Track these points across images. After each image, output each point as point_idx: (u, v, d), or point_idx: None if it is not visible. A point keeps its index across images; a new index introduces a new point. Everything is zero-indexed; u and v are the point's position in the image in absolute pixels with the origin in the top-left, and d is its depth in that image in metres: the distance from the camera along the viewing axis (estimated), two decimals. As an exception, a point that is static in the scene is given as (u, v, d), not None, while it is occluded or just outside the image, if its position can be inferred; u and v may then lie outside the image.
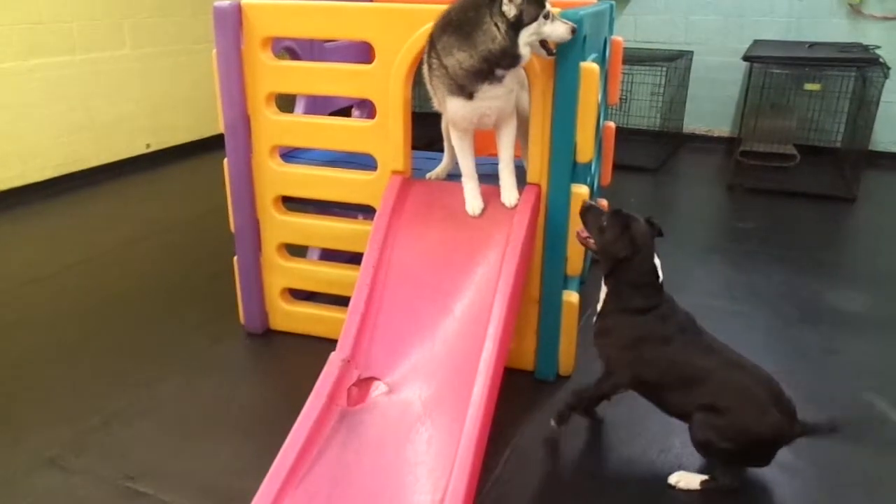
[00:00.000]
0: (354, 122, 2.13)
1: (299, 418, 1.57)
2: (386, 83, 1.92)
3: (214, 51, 2.04)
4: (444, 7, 1.72)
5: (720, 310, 2.52)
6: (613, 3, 2.55)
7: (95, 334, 2.35)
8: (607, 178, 2.79)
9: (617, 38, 2.58)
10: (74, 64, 3.83)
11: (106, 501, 1.61)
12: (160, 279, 2.75)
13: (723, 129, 4.79)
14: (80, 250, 3.03)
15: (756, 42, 4.33)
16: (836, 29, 4.34)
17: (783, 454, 1.66)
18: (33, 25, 3.59)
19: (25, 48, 3.57)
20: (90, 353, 2.23)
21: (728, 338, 2.32)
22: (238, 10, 1.99)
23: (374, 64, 1.93)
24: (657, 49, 4.64)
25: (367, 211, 2.16)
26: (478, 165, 2.21)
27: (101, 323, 2.42)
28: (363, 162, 2.14)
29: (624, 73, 2.69)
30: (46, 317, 2.46)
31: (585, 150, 1.87)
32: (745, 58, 3.85)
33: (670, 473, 1.70)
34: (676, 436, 1.84)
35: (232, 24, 1.99)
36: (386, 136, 1.98)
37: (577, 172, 1.96)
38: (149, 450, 1.79)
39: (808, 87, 4.14)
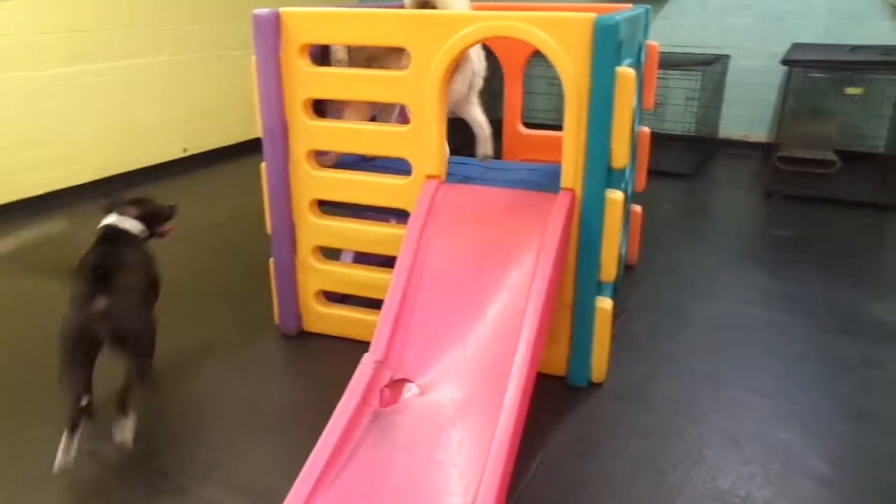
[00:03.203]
0: (389, 126, 2.15)
1: (332, 418, 1.59)
2: (421, 89, 1.94)
3: (253, 57, 2.08)
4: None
5: (755, 318, 2.49)
6: (649, 7, 2.53)
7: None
8: (642, 183, 2.77)
9: (652, 42, 2.57)
10: (115, 70, 3.93)
11: (143, 495, 1.65)
12: (197, 280, 2.80)
13: (760, 134, 4.72)
14: (120, 251, 3.09)
15: (794, 45, 4.26)
16: (878, 31, 4.25)
17: (820, 465, 1.64)
18: (76, 33, 3.69)
19: (69, 55, 3.68)
20: (129, 352, 2.28)
21: (763, 347, 2.31)
22: (277, 18, 2.02)
23: (409, 69, 1.95)
24: (692, 53, 4.59)
25: (399, 215, 2.18)
26: (512, 170, 2.21)
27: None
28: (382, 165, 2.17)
29: (658, 78, 2.67)
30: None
31: (621, 155, 1.86)
32: (784, 61, 3.79)
33: (704, 485, 1.68)
34: (710, 447, 1.82)
35: (271, 32, 2.03)
36: (421, 141, 1.99)
37: (612, 178, 1.95)
38: (184, 445, 1.82)
39: (850, 91, 4.06)
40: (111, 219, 2.01)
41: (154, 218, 2.12)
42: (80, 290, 1.73)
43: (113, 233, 1.99)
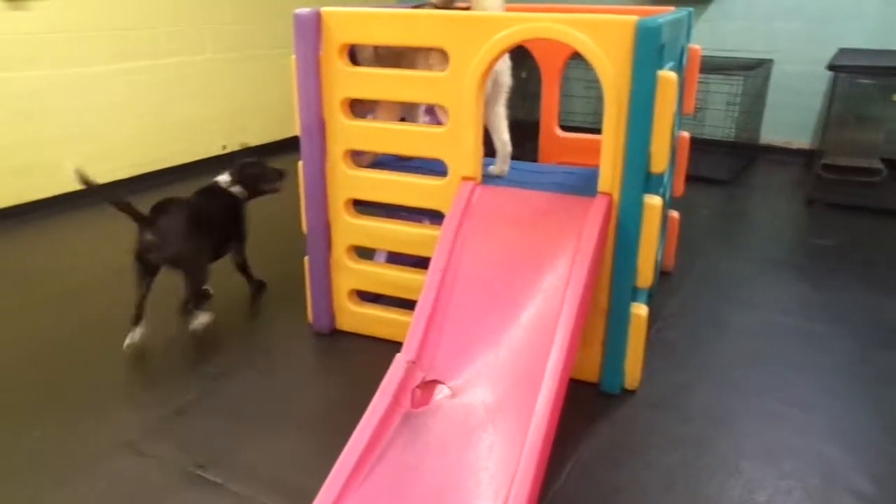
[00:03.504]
0: (426, 127, 2.15)
1: (364, 418, 1.59)
2: (459, 90, 1.94)
3: (293, 57, 2.10)
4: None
5: (794, 329, 2.43)
6: (692, 10, 2.49)
7: (171, 326, 2.44)
8: (680, 188, 2.73)
9: (694, 46, 2.53)
10: (158, 68, 4.00)
11: (177, 488, 1.67)
12: (233, 276, 2.83)
13: (802, 140, 4.62)
14: (159, 246, 3.15)
15: (841, 50, 4.16)
16: (929, 37, 4.13)
17: (861, 481, 1.59)
18: (121, 31, 3.77)
19: (113, 53, 3.76)
20: (166, 344, 2.32)
21: (802, 358, 2.26)
22: (318, 18, 2.04)
23: (448, 70, 1.95)
24: (734, 57, 4.51)
25: (433, 216, 2.18)
26: (549, 173, 2.20)
27: (176, 316, 2.51)
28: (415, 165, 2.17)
29: (699, 82, 2.63)
30: (125, 309, 2.56)
31: (660, 160, 1.84)
32: (830, 67, 3.70)
33: (741, 497, 1.64)
34: (747, 458, 1.78)
35: (312, 31, 2.04)
36: (457, 142, 1.99)
37: (651, 183, 1.92)
38: (219, 440, 1.84)
39: (898, 98, 3.95)
40: (219, 176, 2.54)
41: (257, 180, 2.57)
42: (140, 226, 2.24)
43: (209, 187, 2.53)
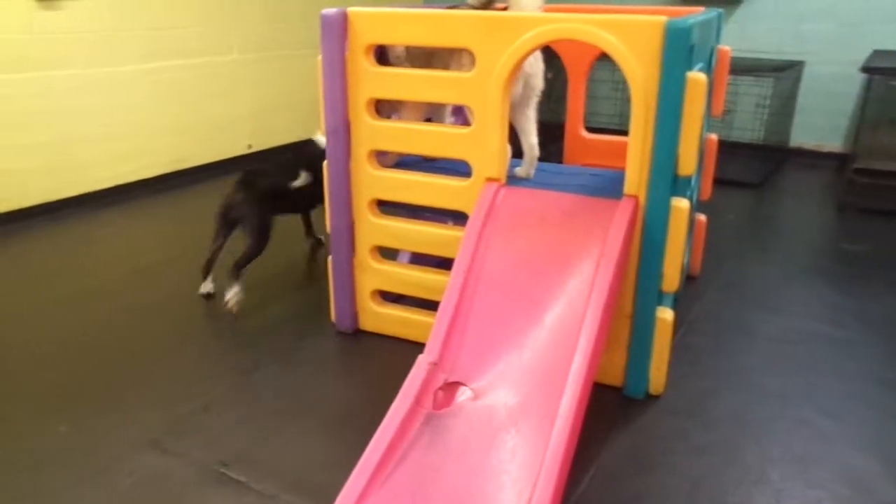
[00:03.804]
0: (451, 128, 2.14)
1: (386, 418, 1.59)
2: (485, 90, 1.93)
3: (319, 57, 2.10)
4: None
5: (824, 335, 2.38)
6: (721, 11, 2.46)
7: (196, 324, 2.46)
8: (707, 192, 2.69)
9: (724, 47, 2.49)
10: (186, 68, 4.05)
11: (202, 486, 1.68)
12: (257, 275, 2.85)
13: (834, 144, 4.53)
14: (184, 243, 3.19)
15: (876, 52, 4.08)
16: (966, 39, 4.03)
17: (894, 493, 1.55)
18: (151, 32, 3.82)
19: (144, 53, 3.81)
20: (190, 342, 2.34)
21: (832, 366, 2.21)
22: (344, 18, 2.04)
23: (474, 71, 1.94)
24: (764, 59, 4.44)
25: (457, 216, 2.17)
26: (574, 175, 2.18)
27: (201, 314, 2.54)
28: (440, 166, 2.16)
29: (728, 84, 2.59)
30: (150, 307, 2.60)
31: (688, 162, 1.81)
32: (865, 69, 3.63)
33: (766, 505, 1.62)
34: (774, 467, 1.75)
35: (338, 32, 2.05)
36: (483, 143, 1.98)
37: (678, 185, 1.90)
38: (242, 438, 1.85)
39: (933, 101, 3.86)
40: (316, 135, 2.72)
41: None
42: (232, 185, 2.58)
43: (305, 142, 2.78)
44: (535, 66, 2.12)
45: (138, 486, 1.68)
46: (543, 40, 1.86)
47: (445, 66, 2.11)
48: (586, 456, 1.76)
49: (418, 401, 1.64)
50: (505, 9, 2.13)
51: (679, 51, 1.70)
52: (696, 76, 1.74)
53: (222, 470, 1.73)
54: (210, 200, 3.82)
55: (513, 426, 1.58)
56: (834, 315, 2.53)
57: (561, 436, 1.49)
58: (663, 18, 1.71)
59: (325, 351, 2.31)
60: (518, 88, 2.07)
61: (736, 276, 2.86)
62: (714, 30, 2.34)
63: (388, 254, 2.37)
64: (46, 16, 3.35)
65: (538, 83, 2.15)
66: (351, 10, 2.05)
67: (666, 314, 1.96)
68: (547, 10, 2.04)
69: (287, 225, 3.41)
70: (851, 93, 4.36)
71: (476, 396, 1.67)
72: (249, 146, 4.54)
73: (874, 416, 1.95)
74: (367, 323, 2.38)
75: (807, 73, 4.45)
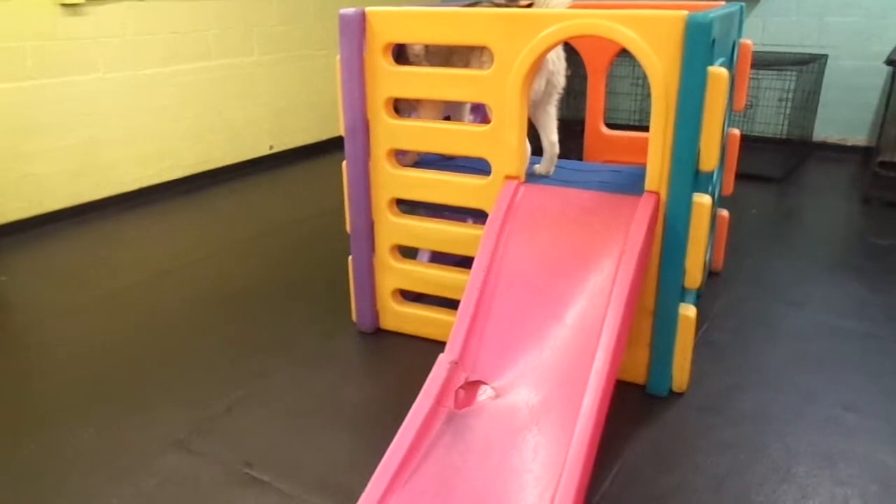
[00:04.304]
0: (470, 126, 2.14)
1: (407, 418, 1.59)
2: (503, 88, 1.93)
3: (338, 57, 2.11)
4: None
5: (850, 331, 2.35)
6: (743, 4, 2.43)
7: (219, 324, 2.49)
8: (730, 187, 2.67)
9: (746, 41, 2.47)
10: (208, 70, 4.09)
11: (227, 486, 1.70)
12: (280, 274, 2.88)
13: (858, 137, 4.46)
14: (208, 245, 3.22)
15: (900, 44, 4.01)
16: None
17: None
18: (173, 35, 3.86)
19: (166, 55, 3.85)
20: (214, 342, 2.37)
21: (859, 362, 2.18)
22: (362, 18, 2.05)
23: (492, 68, 1.94)
24: (787, 52, 4.39)
25: (476, 215, 2.17)
26: (595, 172, 2.17)
27: (225, 313, 2.56)
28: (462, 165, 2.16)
29: (750, 78, 2.57)
30: (175, 307, 2.63)
31: (710, 158, 1.80)
32: (889, 62, 3.57)
33: (794, 502, 1.59)
34: (800, 464, 1.73)
35: (356, 31, 2.05)
36: (501, 141, 1.98)
37: (700, 181, 1.88)
38: (266, 438, 1.87)
39: (961, 92, 3.78)
40: None
41: None
42: None
43: None
44: (558, 64, 2.11)
45: (163, 485, 1.70)
46: (562, 37, 1.85)
47: (466, 64, 2.11)
48: (609, 454, 1.75)
49: (440, 400, 1.65)
50: (530, 5, 2.12)
51: (700, 45, 1.69)
52: (718, 71, 1.72)
53: (246, 470, 1.75)
54: (232, 201, 3.88)
55: (535, 425, 1.58)
56: (860, 310, 2.50)
57: (584, 434, 1.48)
58: (684, 13, 1.70)
59: (346, 351, 2.32)
60: (540, 85, 2.07)
61: (759, 272, 2.83)
62: (736, 24, 2.31)
63: (408, 253, 2.38)
64: (70, 21, 3.40)
65: (560, 80, 2.14)
66: (369, 9, 2.05)
67: (689, 311, 1.94)
68: (573, 7, 2.04)
69: (309, 226, 3.44)
70: (876, 85, 4.29)
71: (497, 395, 1.67)
72: (271, 147, 4.58)
73: (903, 413, 1.92)
74: (388, 322, 2.39)
75: (830, 66, 4.38)
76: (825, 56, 4.36)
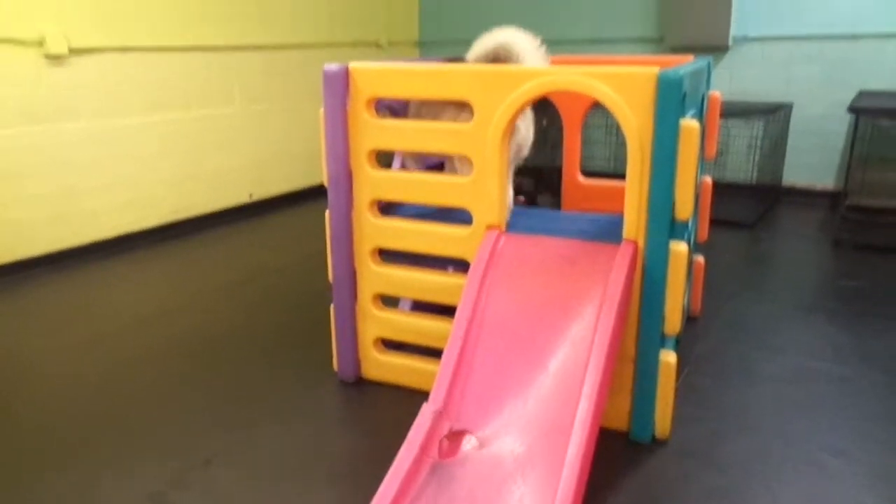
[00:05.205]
0: (451, 177, 2.18)
1: (391, 468, 1.59)
2: (484, 141, 1.97)
3: (321, 110, 2.15)
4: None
5: (825, 373, 2.39)
6: (711, 59, 2.53)
7: (197, 374, 2.46)
8: (704, 233, 2.73)
9: (715, 93, 2.56)
10: (190, 119, 4.12)
11: (206, 541, 1.67)
12: (259, 323, 2.87)
13: (826, 182, 4.60)
14: (187, 292, 3.20)
15: (861, 93, 4.17)
16: (950, 79, 4.13)
17: None
18: (155, 84, 3.90)
19: (148, 105, 3.88)
20: (193, 392, 2.34)
21: (838, 405, 2.21)
22: (346, 74, 2.10)
23: (472, 122, 1.99)
24: (754, 102, 4.54)
25: (457, 263, 2.20)
26: (573, 221, 2.21)
27: (203, 364, 2.54)
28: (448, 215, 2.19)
29: (720, 127, 2.66)
30: (152, 356, 2.60)
31: (685, 206, 1.85)
32: (851, 109, 3.71)
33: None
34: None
35: (340, 86, 2.10)
36: (482, 192, 2.02)
37: (676, 229, 1.93)
38: (246, 493, 1.84)
39: (921, 139, 3.93)
40: None
41: None
42: None
43: None
44: (528, 136, 2.21)
45: (143, 542, 1.66)
46: (541, 92, 1.91)
47: (435, 118, 2.18)
48: (594, 503, 1.74)
49: (424, 450, 1.64)
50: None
51: (672, 100, 1.75)
52: (690, 123, 1.79)
53: (228, 524, 1.72)
54: (212, 249, 3.87)
55: (520, 475, 1.58)
56: (835, 353, 2.54)
57: (569, 484, 1.49)
58: (656, 69, 1.77)
59: (328, 401, 2.30)
60: (510, 149, 2.13)
61: (736, 316, 2.88)
62: (704, 77, 2.40)
63: (389, 301, 2.39)
64: (55, 72, 3.43)
65: (526, 151, 2.24)
66: (352, 65, 2.11)
67: (669, 357, 1.97)
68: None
69: (289, 274, 3.44)
70: (840, 132, 4.45)
71: (482, 445, 1.67)
72: (251, 195, 4.59)
73: (882, 453, 1.95)
74: (370, 371, 2.39)
75: (795, 114, 4.54)
76: (791, 104, 4.52)
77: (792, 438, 2.03)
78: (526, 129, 2.20)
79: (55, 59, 3.42)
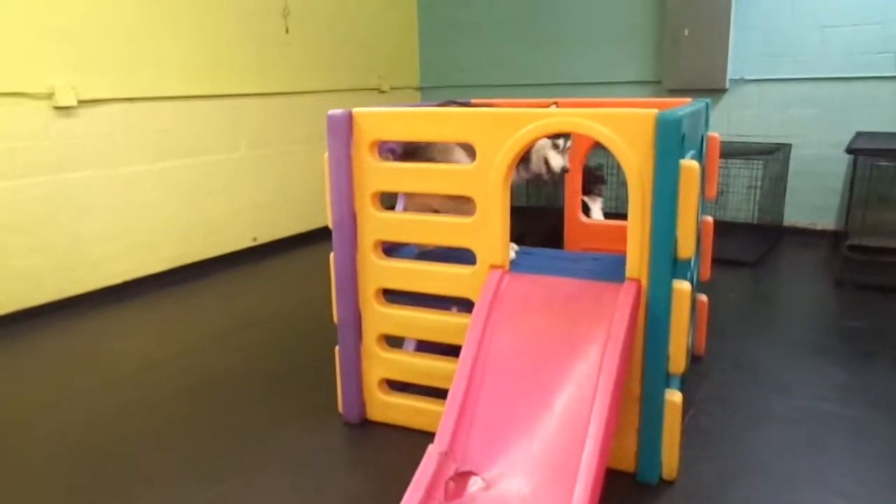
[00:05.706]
0: (454, 218, 2.21)
1: (397, 512, 1.57)
2: (486, 182, 2.01)
3: (326, 154, 2.19)
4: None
5: (832, 415, 2.37)
6: (709, 101, 2.58)
7: (201, 419, 2.45)
8: (707, 272, 2.74)
9: (713, 134, 2.60)
10: (195, 166, 4.18)
11: (209, 588, 1.64)
12: (263, 366, 2.86)
13: (826, 222, 4.63)
14: (190, 338, 3.20)
15: (859, 134, 4.23)
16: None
17: None
18: (161, 133, 3.97)
19: (154, 153, 3.95)
20: (195, 438, 2.32)
21: (844, 446, 2.19)
22: (350, 118, 2.15)
23: (474, 164, 2.02)
24: (753, 142, 4.60)
25: (461, 303, 2.20)
26: (577, 260, 2.23)
27: (207, 408, 2.53)
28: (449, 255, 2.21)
29: (720, 167, 2.71)
30: (155, 401, 2.59)
31: (687, 245, 1.86)
32: (849, 150, 3.76)
33: None
34: (795, 551, 1.70)
35: (344, 130, 2.14)
36: (485, 232, 2.04)
37: (678, 268, 1.94)
38: (250, 537, 1.82)
39: (919, 179, 3.97)
40: None
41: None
42: None
43: None
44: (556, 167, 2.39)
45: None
46: (543, 133, 1.95)
47: (429, 160, 2.25)
48: (602, 546, 1.72)
49: (430, 492, 1.63)
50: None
51: (671, 141, 1.78)
52: (690, 164, 1.82)
53: (231, 570, 1.69)
54: (217, 294, 3.88)
55: (527, 516, 1.56)
56: (840, 394, 2.53)
57: (576, 525, 1.47)
58: (654, 111, 1.81)
59: (333, 444, 2.28)
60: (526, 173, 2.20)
61: (740, 356, 2.87)
62: (703, 118, 2.45)
63: (393, 342, 2.39)
64: (63, 122, 3.49)
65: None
66: (356, 110, 2.15)
67: (674, 396, 1.96)
68: (543, 104, 2.15)
69: (292, 317, 3.44)
70: (839, 172, 4.49)
71: (488, 486, 1.65)
72: (254, 239, 4.63)
73: (889, 496, 1.92)
74: (375, 413, 2.37)
75: (794, 154, 4.59)
76: (789, 145, 4.58)
77: (798, 481, 2.01)
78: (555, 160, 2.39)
79: (64, 110, 3.49)
